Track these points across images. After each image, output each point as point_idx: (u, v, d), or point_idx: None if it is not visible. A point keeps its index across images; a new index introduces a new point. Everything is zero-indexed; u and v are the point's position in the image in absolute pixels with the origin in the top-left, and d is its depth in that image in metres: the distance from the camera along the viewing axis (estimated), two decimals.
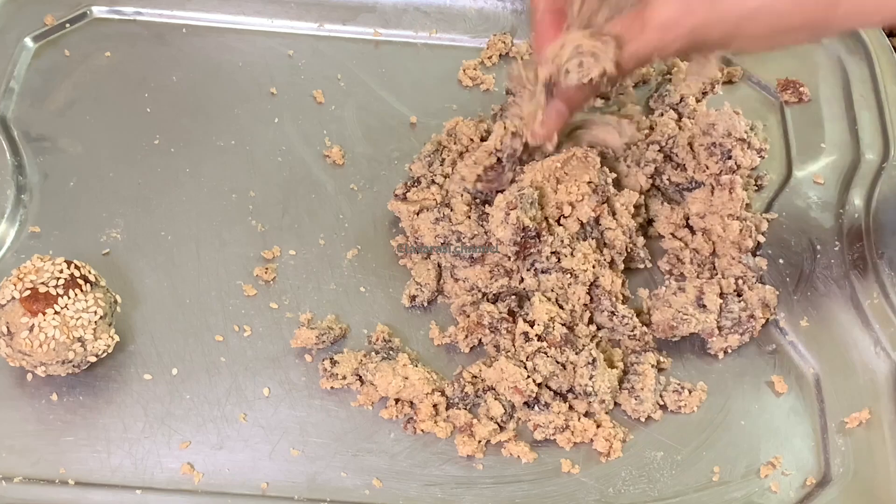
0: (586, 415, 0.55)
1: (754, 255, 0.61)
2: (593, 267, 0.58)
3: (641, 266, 0.61)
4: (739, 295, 0.59)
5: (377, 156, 0.66)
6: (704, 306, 0.57)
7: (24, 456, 0.53)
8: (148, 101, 0.68)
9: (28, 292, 0.52)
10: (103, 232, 0.61)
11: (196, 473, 0.53)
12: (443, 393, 0.55)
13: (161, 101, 0.68)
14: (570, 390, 0.55)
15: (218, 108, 0.68)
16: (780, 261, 0.61)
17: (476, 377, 0.56)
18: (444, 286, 0.60)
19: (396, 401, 0.55)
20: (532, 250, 0.57)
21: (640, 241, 0.61)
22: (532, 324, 0.56)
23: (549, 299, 0.57)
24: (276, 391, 0.56)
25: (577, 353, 0.55)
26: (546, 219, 0.58)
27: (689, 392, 0.56)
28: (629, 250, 0.60)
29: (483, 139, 0.64)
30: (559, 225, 0.59)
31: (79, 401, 0.55)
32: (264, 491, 0.53)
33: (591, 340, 0.57)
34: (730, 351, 0.58)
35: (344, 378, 0.55)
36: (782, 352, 0.59)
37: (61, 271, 0.53)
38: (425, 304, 0.59)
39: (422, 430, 0.54)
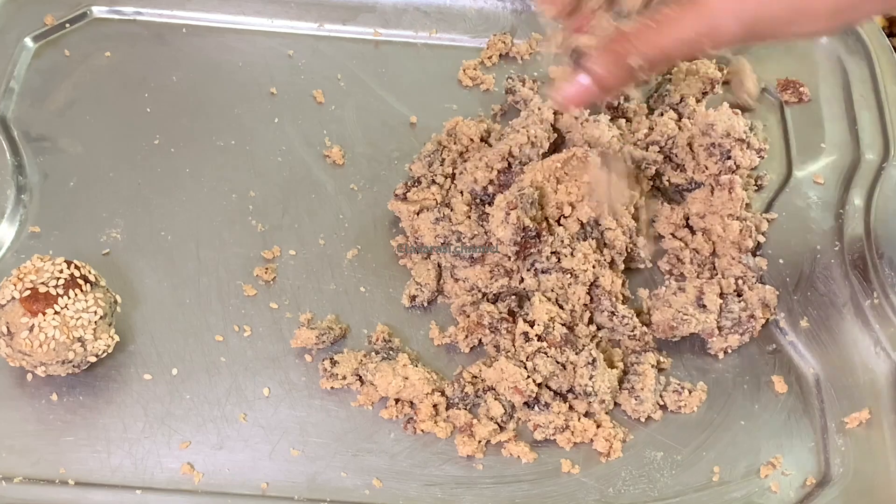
0: (586, 415, 0.55)
1: (754, 255, 0.61)
2: (593, 267, 0.58)
3: (641, 266, 0.61)
4: (739, 295, 0.59)
5: (377, 156, 0.66)
6: (704, 306, 0.57)
7: (24, 456, 0.53)
8: (148, 101, 0.68)
9: (28, 292, 0.52)
10: (103, 232, 0.61)
11: (196, 473, 0.53)
12: (443, 393, 0.55)
13: (161, 101, 0.68)
14: (570, 390, 0.55)
15: (218, 108, 0.68)
16: (780, 261, 0.61)
17: (476, 377, 0.56)
18: (444, 286, 0.60)
19: (396, 401, 0.55)
20: (532, 250, 0.57)
21: (641, 241, 0.61)
22: (532, 324, 0.56)
23: (549, 299, 0.57)
24: (276, 391, 0.56)
25: (577, 354, 0.55)
26: (546, 219, 0.58)
27: (689, 392, 0.56)
28: (629, 250, 0.60)
29: (483, 139, 0.64)
30: (559, 225, 0.59)
31: (79, 401, 0.55)
32: (264, 491, 0.53)
33: (591, 340, 0.57)
34: (730, 351, 0.58)
35: (344, 378, 0.55)
36: (782, 352, 0.59)
37: (61, 271, 0.53)
38: (425, 304, 0.59)
39: (422, 430, 0.54)
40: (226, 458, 0.53)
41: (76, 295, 0.52)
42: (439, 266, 0.60)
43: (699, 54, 0.58)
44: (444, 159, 0.63)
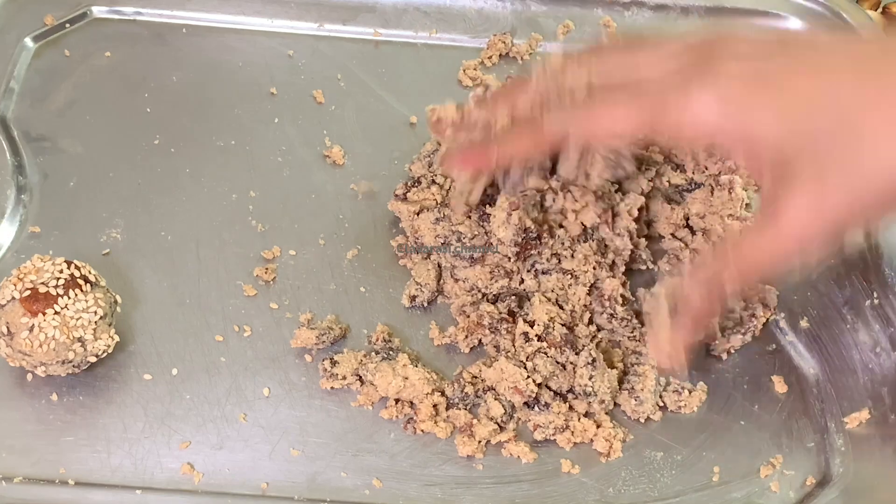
0: (586, 415, 0.55)
1: None
2: (594, 268, 0.58)
3: (644, 267, 0.61)
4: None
5: (377, 156, 0.66)
6: None
7: (24, 456, 0.53)
8: (148, 101, 0.68)
9: (28, 292, 0.52)
10: (103, 232, 0.61)
11: (196, 473, 0.53)
12: (443, 393, 0.55)
13: (161, 101, 0.68)
14: (570, 390, 0.55)
15: (218, 108, 0.68)
16: None
17: (476, 377, 0.56)
18: (444, 286, 0.60)
19: (396, 401, 0.55)
20: (532, 252, 0.57)
21: (643, 242, 0.61)
22: (532, 324, 0.56)
23: (549, 300, 0.57)
24: (276, 391, 0.56)
25: (576, 354, 0.55)
26: (547, 221, 0.58)
27: (689, 392, 0.56)
28: (631, 252, 0.60)
29: None
30: (560, 227, 0.59)
31: (79, 401, 0.55)
32: (264, 491, 0.53)
33: (591, 341, 0.57)
34: (732, 351, 0.58)
35: (344, 378, 0.55)
36: (782, 352, 0.59)
37: (61, 271, 0.53)
38: (425, 304, 0.59)
39: (422, 431, 0.54)
40: (226, 458, 0.53)
41: (76, 295, 0.52)
42: (439, 266, 0.60)
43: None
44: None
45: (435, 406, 0.55)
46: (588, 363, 0.54)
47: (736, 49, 0.48)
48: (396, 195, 0.62)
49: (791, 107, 0.46)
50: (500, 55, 0.72)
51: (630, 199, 0.60)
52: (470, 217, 0.59)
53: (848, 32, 0.51)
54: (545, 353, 0.55)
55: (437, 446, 0.54)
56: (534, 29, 0.73)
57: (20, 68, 0.68)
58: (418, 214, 0.60)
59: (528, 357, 0.55)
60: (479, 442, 0.54)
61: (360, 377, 0.56)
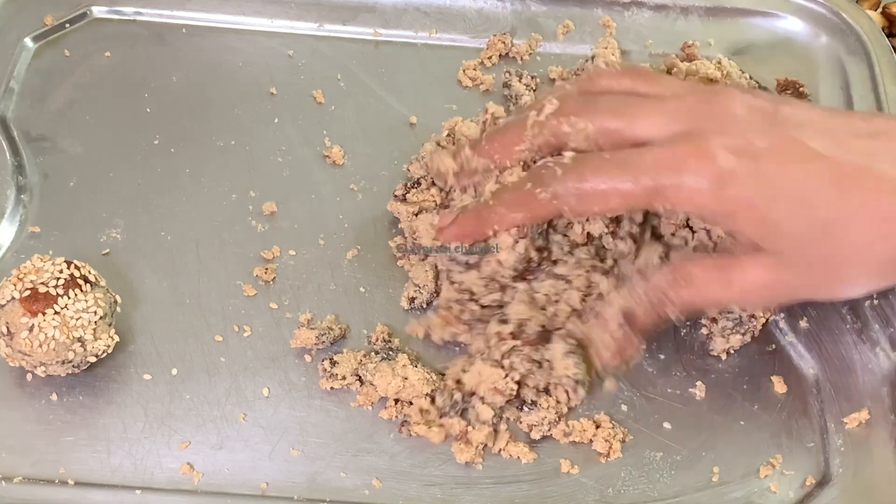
0: (570, 405, 0.55)
1: None
2: (587, 272, 0.57)
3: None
4: None
5: (377, 156, 0.66)
6: None
7: (24, 456, 0.53)
8: (148, 101, 0.68)
9: (28, 292, 0.52)
10: (103, 232, 0.61)
11: (196, 473, 0.53)
12: (433, 400, 0.55)
13: (161, 101, 0.68)
14: (547, 388, 0.55)
15: (218, 108, 0.68)
16: None
17: (458, 382, 0.56)
18: (441, 287, 0.59)
19: (396, 401, 0.55)
20: (530, 276, 0.57)
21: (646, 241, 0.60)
22: (505, 322, 0.56)
23: (531, 298, 0.57)
24: (276, 391, 0.56)
25: (547, 346, 0.55)
26: (548, 247, 0.57)
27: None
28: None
29: None
30: (564, 235, 0.58)
31: (79, 401, 0.55)
32: (264, 491, 0.53)
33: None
34: (732, 351, 0.58)
35: (344, 378, 0.56)
36: (782, 352, 0.59)
37: (61, 271, 0.53)
38: (424, 305, 0.59)
39: (416, 434, 0.54)
40: (226, 458, 0.53)
41: (76, 295, 0.52)
42: (436, 267, 0.60)
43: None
44: None
45: (427, 410, 0.54)
46: (568, 352, 0.55)
47: (729, 120, 0.50)
48: (396, 196, 0.62)
49: (777, 203, 0.48)
50: (500, 55, 0.72)
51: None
52: None
53: (844, 108, 0.54)
54: (520, 351, 0.55)
55: (437, 446, 0.54)
56: (534, 29, 0.73)
57: (20, 68, 0.68)
58: (417, 215, 0.60)
59: (503, 356, 0.55)
60: (476, 447, 0.54)
61: (360, 377, 0.56)
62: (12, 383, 0.55)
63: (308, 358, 0.57)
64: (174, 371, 0.56)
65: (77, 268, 0.54)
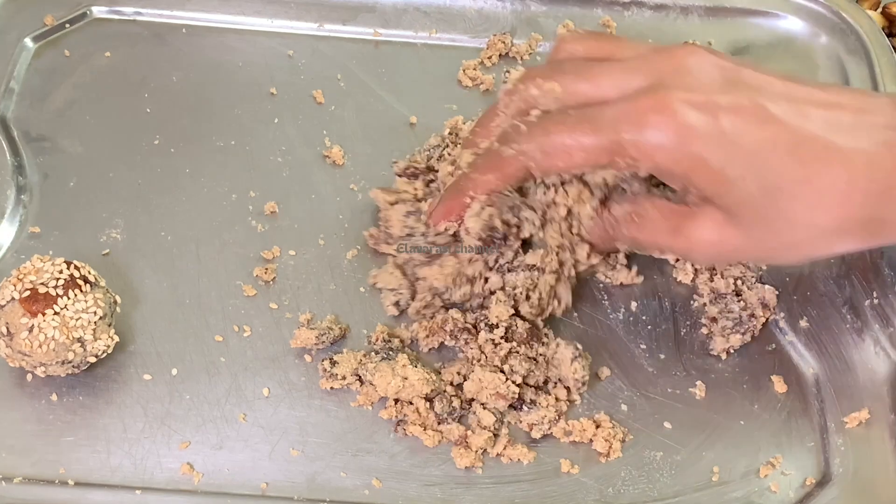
0: (570, 400, 0.55)
1: None
2: (557, 254, 0.57)
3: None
4: (738, 295, 0.59)
5: (377, 156, 0.66)
6: None
7: (24, 456, 0.53)
8: (148, 101, 0.68)
9: (28, 293, 0.52)
10: (103, 232, 0.61)
11: (196, 473, 0.53)
12: (431, 404, 0.55)
13: (161, 101, 0.68)
14: (545, 382, 0.55)
15: (218, 108, 0.68)
16: None
17: (458, 388, 0.56)
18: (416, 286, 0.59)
19: (396, 401, 0.55)
20: (494, 250, 0.57)
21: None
22: (493, 327, 0.56)
23: (508, 297, 0.57)
24: (276, 391, 0.56)
25: (545, 346, 0.56)
26: (519, 225, 0.57)
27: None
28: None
29: None
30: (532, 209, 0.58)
31: (79, 401, 0.55)
32: (264, 491, 0.53)
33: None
34: (732, 351, 0.58)
35: (344, 378, 0.56)
36: (782, 352, 0.59)
37: (61, 272, 0.53)
38: (410, 304, 0.59)
39: (412, 434, 0.54)
40: (226, 458, 0.53)
41: (76, 295, 0.52)
42: (399, 267, 0.60)
43: None
44: (442, 156, 0.63)
45: (424, 414, 0.54)
46: (575, 357, 0.55)
47: (691, 77, 0.50)
48: (396, 172, 0.62)
49: (733, 162, 0.49)
50: (500, 55, 0.72)
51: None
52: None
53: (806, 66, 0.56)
54: (517, 352, 0.55)
55: (437, 447, 0.54)
56: (534, 29, 0.73)
57: (20, 68, 0.68)
58: (393, 205, 0.60)
59: (502, 361, 0.55)
60: (476, 452, 0.54)
61: (360, 377, 0.56)
62: (12, 383, 0.55)
63: (308, 358, 0.57)
64: (174, 371, 0.56)
65: (77, 268, 0.54)
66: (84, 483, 0.52)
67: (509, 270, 0.57)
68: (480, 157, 0.56)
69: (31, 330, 0.51)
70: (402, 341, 0.57)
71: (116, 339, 0.54)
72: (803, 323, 0.59)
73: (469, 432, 0.54)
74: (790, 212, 0.49)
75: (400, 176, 0.62)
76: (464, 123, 0.65)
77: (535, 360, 0.56)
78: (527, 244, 0.58)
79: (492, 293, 0.58)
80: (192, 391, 0.55)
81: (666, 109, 0.49)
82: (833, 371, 0.58)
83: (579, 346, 0.56)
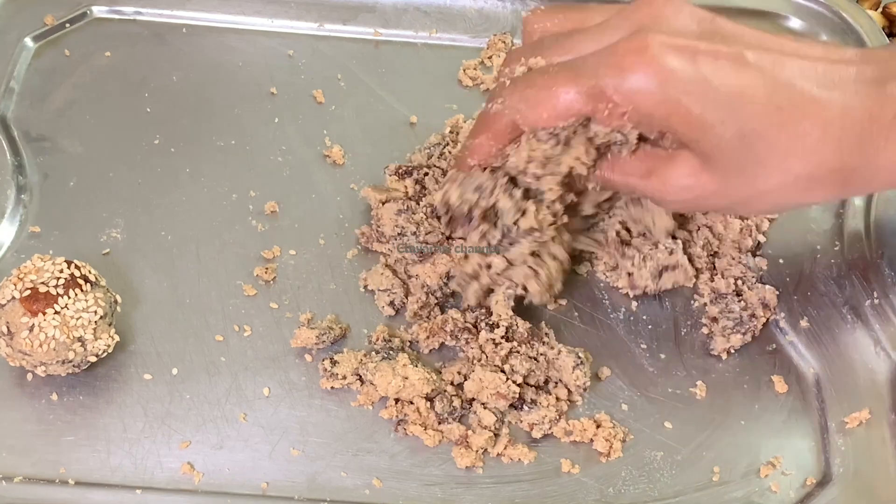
0: (570, 400, 0.55)
1: (754, 255, 0.61)
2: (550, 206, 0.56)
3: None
4: (739, 295, 0.59)
5: (377, 156, 0.66)
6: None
7: (24, 456, 0.53)
8: (148, 101, 0.68)
9: (28, 292, 0.52)
10: (103, 232, 0.61)
11: (196, 473, 0.53)
12: (432, 404, 0.55)
13: (161, 101, 0.68)
14: (546, 382, 0.55)
15: (218, 108, 0.68)
16: (780, 261, 0.61)
17: (458, 387, 0.56)
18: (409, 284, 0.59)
19: (396, 401, 0.55)
20: (459, 229, 0.57)
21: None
22: (494, 327, 0.56)
23: (505, 298, 0.57)
24: (276, 391, 0.56)
25: (546, 346, 0.56)
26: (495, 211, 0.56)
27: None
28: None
29: None
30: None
31: (79, 401, 0.55)
32: (264, 491, 0.53)
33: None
34: (732, 351, 0.58)
35: (344, 378, 0.55)
36: (782, 352, 0.59)
37: (61, 271, 0.53)
38: (405, 303, 0.59)
39: (412, 433, 0.54)
40: (226, 458, 0.53)
41: (76, 295, 0.52)
42: (389, 267, 0.60)
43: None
44: (443, 153, 0.63)
45: (425, 414, 0.54)
46: (576, 364, 0.55)
47: (669, 24, 0.50)
48: (388, 172, 0.62)
49: (711, 107, 0.48)
50: (501, 55, 0.71)
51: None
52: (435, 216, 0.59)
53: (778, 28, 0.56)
54: (518, 352, 0.55)
55: (437, 446, 0.54)
56: None
57: (20, 68, 0.68)
58: (384, 204, 0.60)
59: (502, 360, 0.55)
60: (477, 452, 0.54)
61: (360, 377, 0.56)
62: (12, 383, 0.55)
63: (308, 357, 0.57)
64: (174, 371, 0.56)
65: (77, 267, 0.54)
66: (84, 483, 0.52)
67: (511, 244, 0.56)
68: (473, 123, 0.56)
69: (31, 329, 0.51)
70: (402, 341, 0.57)
71: (117, 338, 0.54)
72: (804, 323, 0.59)
73: (469, 432, 0.54)
74: (766, 157, 0.49)
75: (391, 174, 0.62)
76: (464, 122, 0.66)
77: (535, 359, 0.56)
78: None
79: (497, 275, 0.57)
80: (193, 391, 0.55)
81: (645, 52, 0.48)
82: (833, 371, 0.58)
83: (581, 355, 0.55)
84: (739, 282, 0.60)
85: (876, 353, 0.58)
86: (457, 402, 0.55)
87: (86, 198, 0.63)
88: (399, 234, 0.59)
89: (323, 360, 0.56)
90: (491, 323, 0.56)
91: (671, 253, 0.59)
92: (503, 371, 0.55)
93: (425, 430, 0.54)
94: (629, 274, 0.59)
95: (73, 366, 0.53)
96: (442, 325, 0.57)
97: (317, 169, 0.65)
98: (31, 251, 0.58)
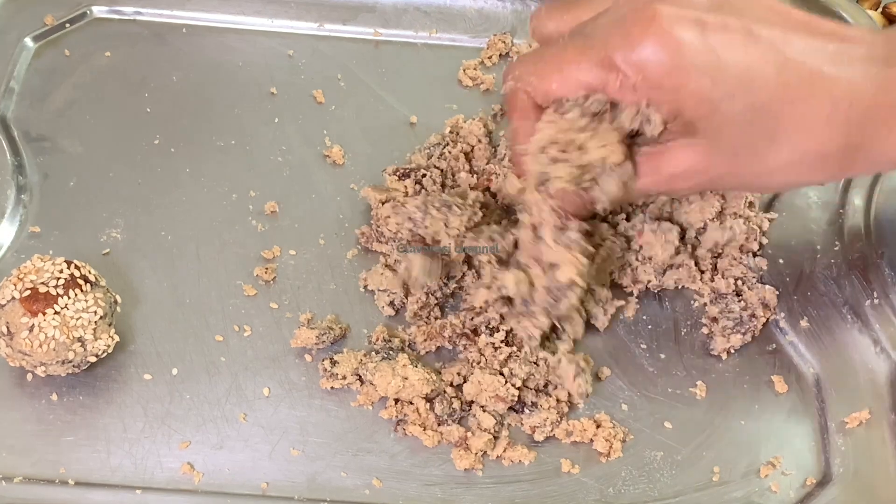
0: (570, 404, 0.55)
1: (754, 255, 0.61)
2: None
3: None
4: (739, 295, 0.59)
5: (377, 156, 0.66)
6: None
7: (24, 456, 0.53)
8: (148, 101, 0.68)
9: (28, 292, 0.52)
10: (103, 232, 0.61)
11: (196, 473, 0.53)
12: (431, 405, 0.55)
13: (161, 101, 0.68)
14: (546, 385, 0.55)
15: (218, 108, 0.68)
16: (780, 261, 0.61)
17: (458, 389, 0.56)
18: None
19: (396, 401, 0.55)
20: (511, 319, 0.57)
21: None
22: (494, 331, 0.56)
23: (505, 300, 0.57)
24: (276, 391, 0.56)
25: (552, 353, 0.56)
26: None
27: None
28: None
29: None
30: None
31: (79, 401, 0.55)
32: (264, 491, 0.53)
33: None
34: (732, 351, 0.58)
35: (344, 378, 0.55)
36: (782, 352, 0.59)
37: (61, 271, 0.53)
38: (405, 304, 0.59)
39: (411, 433, 0.54)
40: (226, 458, 0.53)
41: (76, 295, 0.52)
42: (390, 266, 0.60)
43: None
44: (443, 153, 0.63)
45: (424, 415, 0.54)
46: (578, 373, 0.55)
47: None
48: (386, 172, 0.62)
49: (719, 81, 0.48)
50: (501, 55, 0.71)
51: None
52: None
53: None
54: (517, 356, 0.55)
55: (437, 446, 0.54)
56: None
57: (20, 68, 0.68)
58: (384, 204, 0.60)
59: (501, 364, 0.55)
60: (476, 454, 0.54)
61: (360, 377, 0.56)
62: (12, 383, 0.55)
63: (308, 357, 0.57)
64: (174, 371, 0.56)
65: (77, 268, 0.54)
66: (84, 483, 0.52)
67: (557, 300, 0.56)
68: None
69: (31, 329, 0.51)
70: (402, 341, 0.57)
71: (117, 338, 0.54)
72: (804, 323, 0.59)
73: (469, 434, 0.54)
74: (775, 133, 0.49)
75: (390, 175, 0.62)
76: (464, 122, 0.66)
77: (535, 363, 0.56)
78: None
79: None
80: (193, 391, 0.55)
81: (654, 23, 0.48)
82: (833, 371, 0.58)
83: (581, 364, 0.55)
84: (739, 282, 0.60)
85: (876, 353, 0.58)
86: (456, 404, 0.55)
87: (86, 198, 0.63)
88: (396, 232, 0.59)
89: (323, 360, 0.56)
90: (491, 327, 0.56)
91: (677, 253, 0.59)
92: (502, 374, 0.55)
93: (424, 430, 0.54)
94: (633, 269, 0.59)
95: (73, 366, 0.53)
96: (440, 329, 0.57)
97: (317, 169, 0.65)
98: (31, 251, 0.58)
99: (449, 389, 0.55)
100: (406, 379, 0.54)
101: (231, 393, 0.55)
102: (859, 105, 0.48)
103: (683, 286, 0.60)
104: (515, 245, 0.57)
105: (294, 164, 0.65)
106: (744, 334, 0.58)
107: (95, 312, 0.53)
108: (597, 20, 0.51)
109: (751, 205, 0.62)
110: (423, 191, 0.61)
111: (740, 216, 0.61)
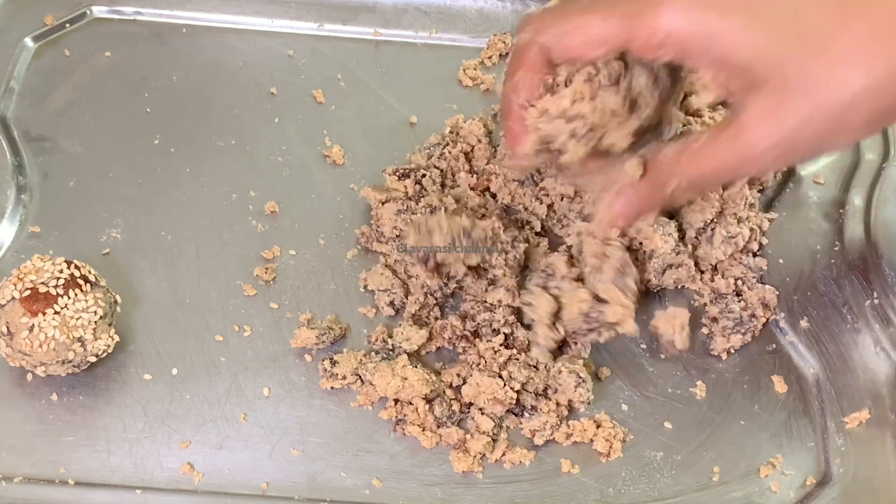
0: (570, 408, 0.55)
1: (754, 255, 0.61)
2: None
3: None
4: (739, 295, 0.59)
5: (377, 156, 0.66)
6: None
7: (24, 456, 0.53)
8: (148, 101, 0.68)
9: (28, 292, 0.52)
10: (103, 232, 0.61)
11: (196, 473, 0.53)
12: (431, 405, 0.55)
13: (161, 101, 0.68)
14: (546, 389, 0.55)
15: (218, 108, 0.68)
16: (780, 261, 0.61)
17: (457, 391, 0.56)
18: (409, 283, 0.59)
19: (396, 401, 0.55)
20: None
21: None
22: (495, 333, 0.56)
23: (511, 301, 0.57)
24: (276, 391, 0.56)
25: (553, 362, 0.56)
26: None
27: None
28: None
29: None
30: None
31: (79, 401, 0.55)
32: (264, 491, 0.53)
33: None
34: (732, 351, 0.58)
35: (344, 378, 0.55)
36: (782, 352, 0.59)
37: (61, 271, 0.53)
38: (404, 304, 0.59)
39: (410, 433, 0.54)
40: (226, 458, 0.53)
41: (76, 295, 0.52)
42: (389, 267, 0.60)
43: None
44: (443, 153, 0.63)
45: (423, 415, 0.54)
46: (578, 384, 0.55)
47: None
48: (387, 174, 0.62)
49: (760, 21, 0.46)
50: (501, 55, 0.71)
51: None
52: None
53: None
54: (517, 360, 0.55)
55: (437, 446, 0.54)
56: None
57: (20, 68, 0.68)
58: (384, 204, 0.60)
59: (500, 367, 0.55)
60: (475, 457, 0.54)
61: (360, 377, 0.56)
62: (12, 383, 0.55)
63: (308, 358, 0.57)
64: (174, 371, 0.56)
65: (77, 268, 0.54)
66: (84, 483, 0.52)
67: (563, 226, 0.58)
68: (509, 60, 0.52)
69: (31, 329, 0.51)
70: (395, 343, 0.57)
71: (117, 338, 0.54)
72: (804, 323, 0.59)
73: (468, 436, 0.54)
74: (832, 58, 0.46)
75: (390, 175, 0.62)
76: (464, 122, 0.65)
77: (535, 367, 0.56)
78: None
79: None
80: (193, 391, 0.55)
81: None
82: (833, 371, 0.58)
83: (581, 375, 0.55)
84: (739, 282, 0.60)
85: (876, 353, 0.58)
86: (455, 407, 0.55)
87: (86, 198, 0.63)
88: (398, 235, 0.59)
89: (323, 361, 0.56)
90: (492, 330, 0.56)
91: (677, 254, 0.59)
92: (501, 377, 0.55)
93: (423, 431, 0.54)
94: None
95: (73, 366, 0.53)
96: (440, 331, 0.57)
97: (317, 169, 0.65)
98: (31, 251, 0.58)
99: (448, 391, 0.55)
100: (406, 379, 0.54)
101: (231, 393, 0.55)
102: None
103: (683, 286, 0.60)
104: (526, 255, 0.58)
105: (294, 164, 0.65)
106: (744, 334, 0.58)
107: (95, 312, 0.53)
108: None
109: (751, 206, 0.62)
110: (422, 190, 0.61)
111: (740, 217, 0.61)
